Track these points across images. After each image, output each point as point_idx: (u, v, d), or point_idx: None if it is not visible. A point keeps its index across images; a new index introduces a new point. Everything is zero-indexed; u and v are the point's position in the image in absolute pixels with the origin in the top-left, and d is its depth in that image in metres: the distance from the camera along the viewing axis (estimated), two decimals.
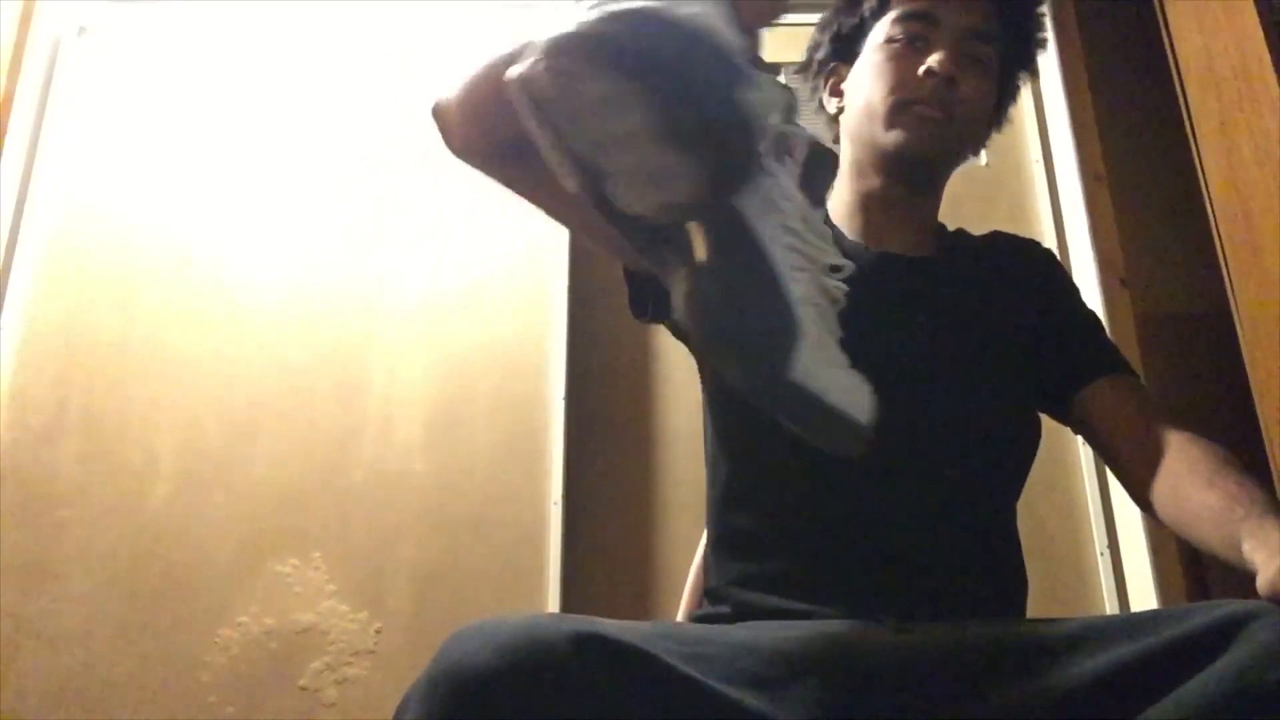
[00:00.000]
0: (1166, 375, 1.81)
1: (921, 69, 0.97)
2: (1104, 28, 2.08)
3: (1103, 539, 1.79)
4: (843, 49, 1.08)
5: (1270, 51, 1.35)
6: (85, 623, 1.71)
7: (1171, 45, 1.59)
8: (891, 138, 0.98)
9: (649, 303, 0.90)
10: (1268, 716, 0.55)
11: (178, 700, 1.66)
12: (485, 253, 1.95)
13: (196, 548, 1.76)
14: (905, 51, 0.99)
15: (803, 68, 1.14)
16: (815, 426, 0.63)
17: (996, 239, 1.08)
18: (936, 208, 1.05)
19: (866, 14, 1.04)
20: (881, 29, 1.02)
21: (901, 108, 0.97)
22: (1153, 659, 0.62)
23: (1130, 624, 0.66)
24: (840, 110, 1.06)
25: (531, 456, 1.83)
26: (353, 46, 2.12)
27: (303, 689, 1.68)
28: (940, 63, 0.96)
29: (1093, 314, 1.04)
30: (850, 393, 0.63)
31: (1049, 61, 2.09)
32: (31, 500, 1.78)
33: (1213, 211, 1.48)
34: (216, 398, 1.86)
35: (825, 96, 1.10)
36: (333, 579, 1.75)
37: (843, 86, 1.07)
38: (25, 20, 2.04)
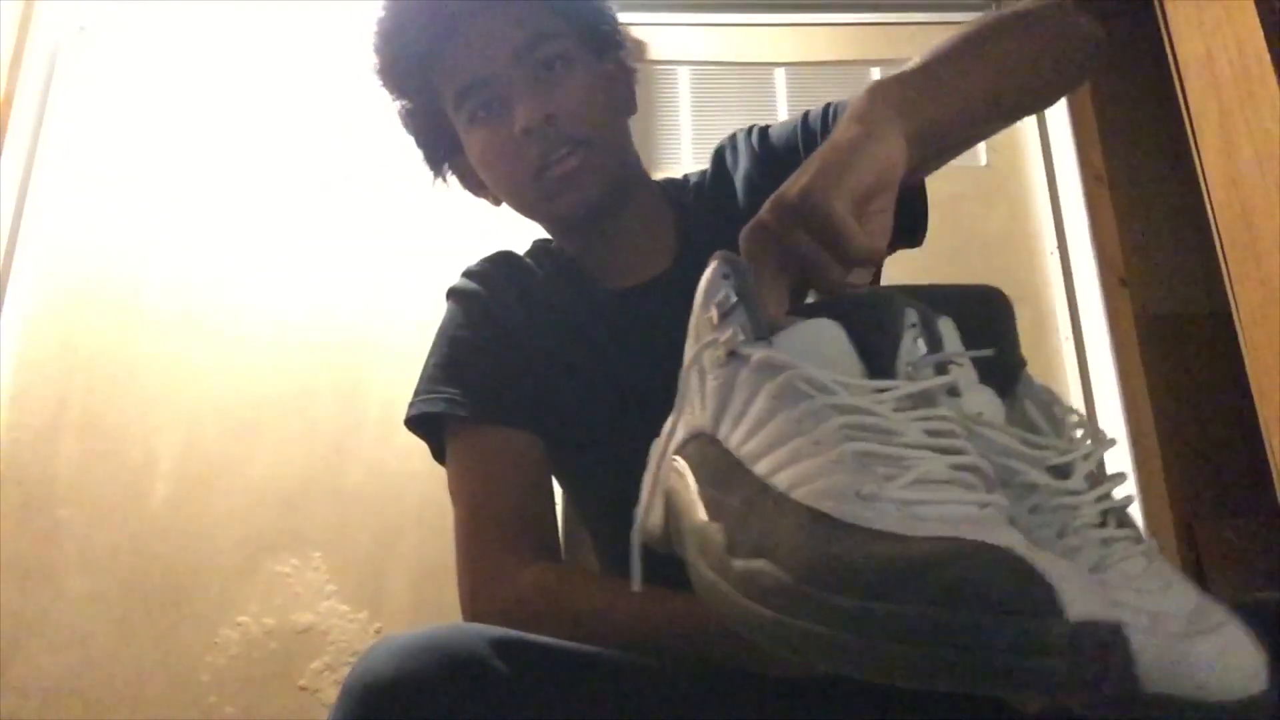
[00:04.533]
0: (1166, 375, 1.81)
1: (518, 130, 0.86)
2: (1104, 28, 2.08)
3: None
4: (440, 141, 0.97)
5: (1270, 51, 1.35)
6: (85, 623, 1.71)
7: (1171, 45, 1.59)
8: (558, 209, 0.89)
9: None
10: None
11: (178, 700, 1.66)
12: (485, 253, 1.94)
13: (196, 548, 1.76)
14: (492, 122, 0.88)
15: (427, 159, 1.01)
16: None
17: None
18: (652, 199, 0.96)
19: (426, 106, 0.94)
20: (453, 105, 0.91)
21: (538, 182, 0.87)
22: None
23: None
24: (495, 199, 0.97)
25: None
26: (353, 48, 2.11)
27: (303, 689, 1.68)
28: (527, 116, 0.85)
29: None
30: (1236, 666, 0.43)
31: None
32: (31, 500, 1.78)
33: (1213, 211, 1.48)
34: (216, 398, 1.86)
35: (471, 191, 0.99)
36: (333, 579, 1.75)
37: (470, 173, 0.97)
38: (25, 20, 2.04)
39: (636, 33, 2.11)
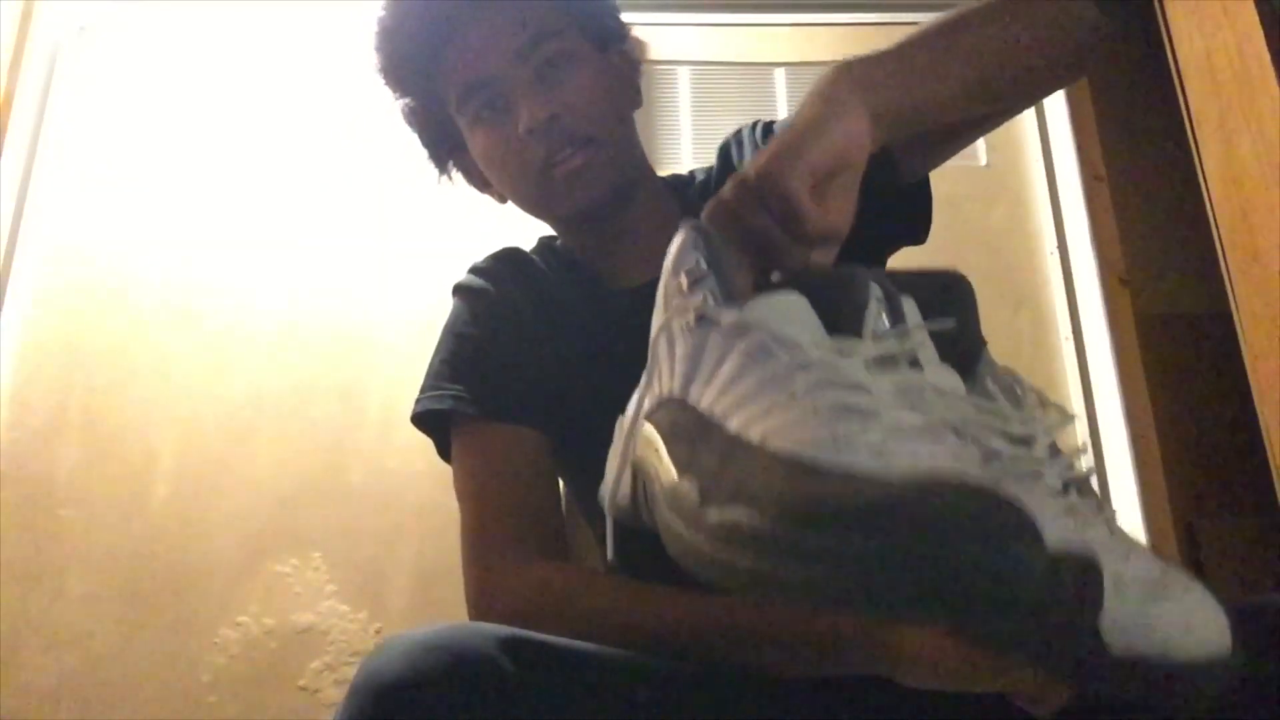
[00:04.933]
0: (1166, 375, 1.81)
1: (521, 130, 0.85)
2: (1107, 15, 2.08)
3: None
4: (444, 138, 0.96)
5: (1270, 51, 1.35)
6: (85, 623, 1.71)
7: (1171, 45, 1.59)
8: (563, 208, 0.89)
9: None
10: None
11: (178, 700, 1.66)
12: (486, 253, 1.94)
13: (196, 548, 1.76)
14: (496, 121, 0.88)
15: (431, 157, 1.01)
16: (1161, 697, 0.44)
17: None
18: (659, 196, 0.95)
19: (429, 105, 0.94)
20: (456, 104, 0.91)
21: (543, 181, 0.87)
22: None
23: None
24: (501, 196, 0.97)
25: None
26: (354, 48, 2.11)
27: (303, 689, 1.68)
28: (531, 116, 0.84)
29: None
30: (1200, 627, 0.44)
31: None
32: (31, 500, 1.78)
33: (1213, 211, 1.48)
34: (216, 398, 1.86)
35: (476, 187, 0.99)
36: (333, 579, 1.75)
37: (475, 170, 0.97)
38: (25, 20, 2.04)
39: (636, 33, 2.10)
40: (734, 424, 0.45)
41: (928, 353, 0.49)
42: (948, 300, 0.53)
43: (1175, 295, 1.88)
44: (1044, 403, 0.52)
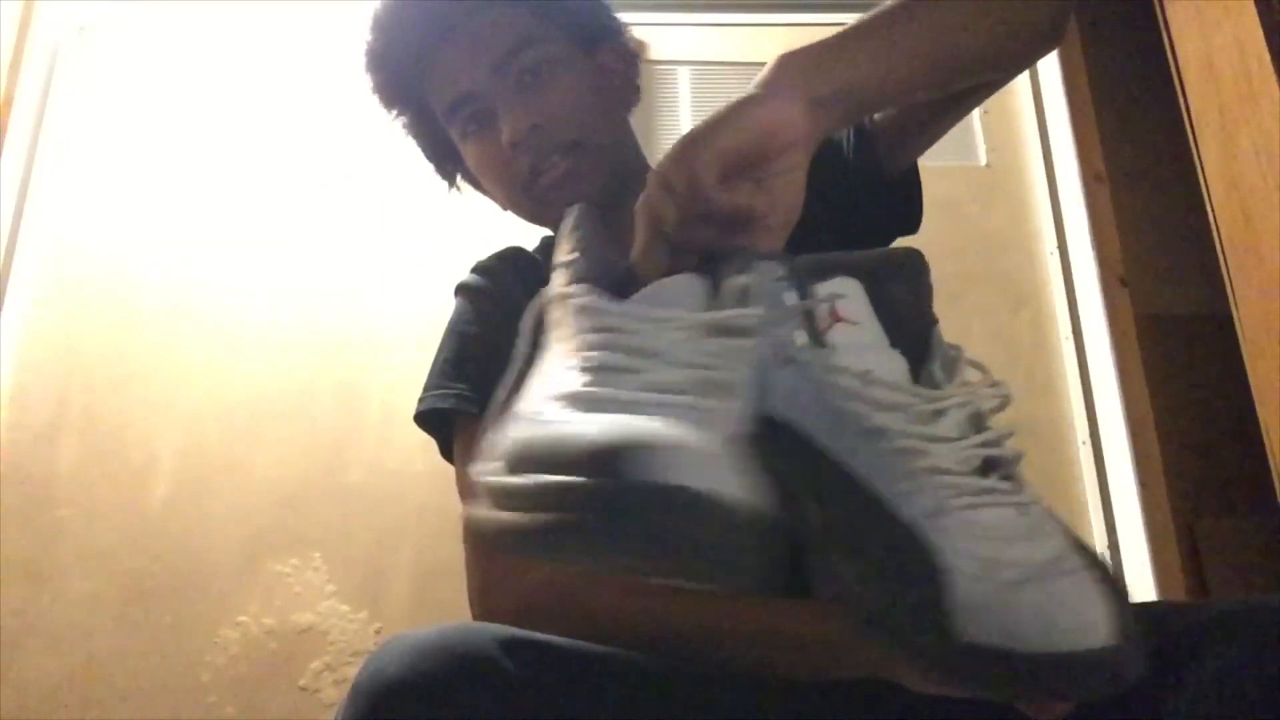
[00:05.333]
0: (1166, 375, 1.81)
1: (505, 144, 0.86)
2: (1104, 28, 2.08)
3: (1103, 539, 1.79)
4: (445, 153, 0.98)
5: (1270, 51, 1.35)
6: (85, 623, 1.71)
7: (1171, 45, 1.59)
8: (552, 215, 0.89)
9: None
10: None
11: (178, 700, 1.66)
12: (487, 252, 1.94)
13: (196, 548, 1.76)
14: (483, 135, 0.89)
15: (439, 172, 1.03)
16: (1043, 683, 0.42)
17: None
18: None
19: (424, 122, 0.95)
20: (445, 119, 0.92)
21: (530, 192, 0.88)
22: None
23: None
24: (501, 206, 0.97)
25: None
26: (354, 49, 2.11)
27: (303, 689, 1.68)
28: (512, 128, 0.85)
29: None
30: (1064, 618, 0.42)
31: (1049, 61, 2.09)
32: (31, 500, 1.78)
33: (1213, 211, 1.48)
34: (216, 398, 1.86)
35: (482, 194, 1.00)
36: (333, 579, 1.75)
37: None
38: (25, 20, 2.04)
39: (636, 33, 2.10)
40: (522, 398, 0.47)
41: (858, 337, 0.49)
42: (898, 277, 0.53)
43: (1175, 295, 1.87)
44: (988, 379, 0.51)
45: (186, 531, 1.77)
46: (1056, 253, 2.01)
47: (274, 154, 2.05)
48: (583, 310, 0.48)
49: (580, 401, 0.43)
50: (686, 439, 0.39)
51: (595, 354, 0.45)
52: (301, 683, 1.68)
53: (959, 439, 0.47)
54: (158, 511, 1.79)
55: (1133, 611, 0.44)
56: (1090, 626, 0.42)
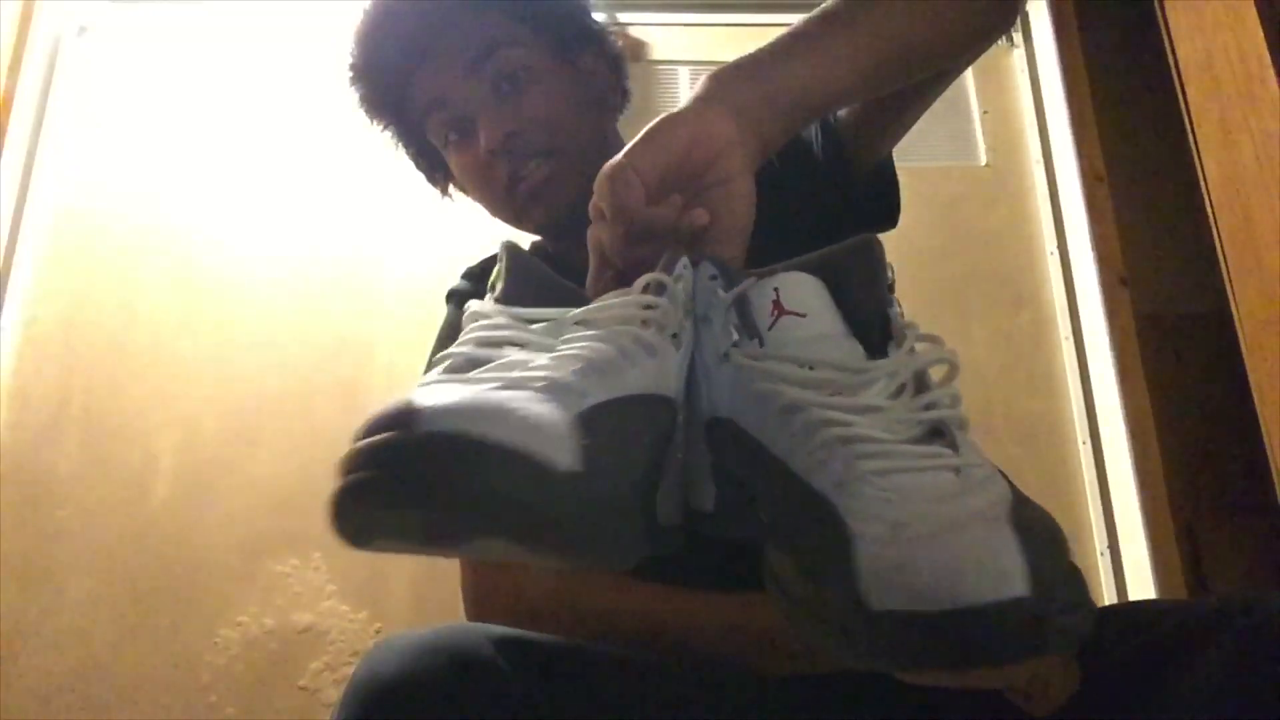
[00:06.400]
0: (1166, 375, 1.81)
1: (482, 152, 0.87)
2: (1104, 28, 2.08)
3: (1103, 539, 1.79)
4: (434, 163, 0.99)
5: (1270, 51, 1.35)
6: (85, 623, 1.71)
7: (1171, 45, 1.59)
8: (532, 221, 0.92)
9: None
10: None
11: (178, 700, 1.66)
12: (487, 252, 1.94)
13: (196, 548, 1.76)
14: (464, 144, 0.90)
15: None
16: (951, 651, 0.38)
17: None
18: None
19: (410, 133, 0.97)
20: (427, 128, 0.93)
21: (509, 199, 0.90)
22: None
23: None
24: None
25: None
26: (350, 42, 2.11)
27: (303, 689, 1.68)
28: (489, 136, 0.86)
29: None
30: (972, 570, 0.38)
31: (1049, 61, 2.09)
32: (31, 500, 1.78)
33: (1213, 211, 1.48)
34: (216, 398, 1.86)
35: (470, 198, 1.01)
36: (333, 579, 1.75)
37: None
38: (25, 20, 2.04)
39: (636, 33, 2.11)
40: None
41: (810, 326, 0.50)
42: (852, 265, 0.53)
43: (1175, 295, 1.87)
44: (938, 351, 0.50)
45: (186, 532, 1.77)
46: (1056, 252, 2.01)
47: (273, 154, 2.05)
48: (471, 315, 0.51)
49: (431, 383, 0.44)
50: (509, 402, 0.41)
51: (464, 348, 0.48)
52: (301, 683, 1.68)
53: (888, 407, 0.46)
54: (158, 511, 1.79)
55: (1071, 569, 0.41)
56: (1002, 575, 0.38)
